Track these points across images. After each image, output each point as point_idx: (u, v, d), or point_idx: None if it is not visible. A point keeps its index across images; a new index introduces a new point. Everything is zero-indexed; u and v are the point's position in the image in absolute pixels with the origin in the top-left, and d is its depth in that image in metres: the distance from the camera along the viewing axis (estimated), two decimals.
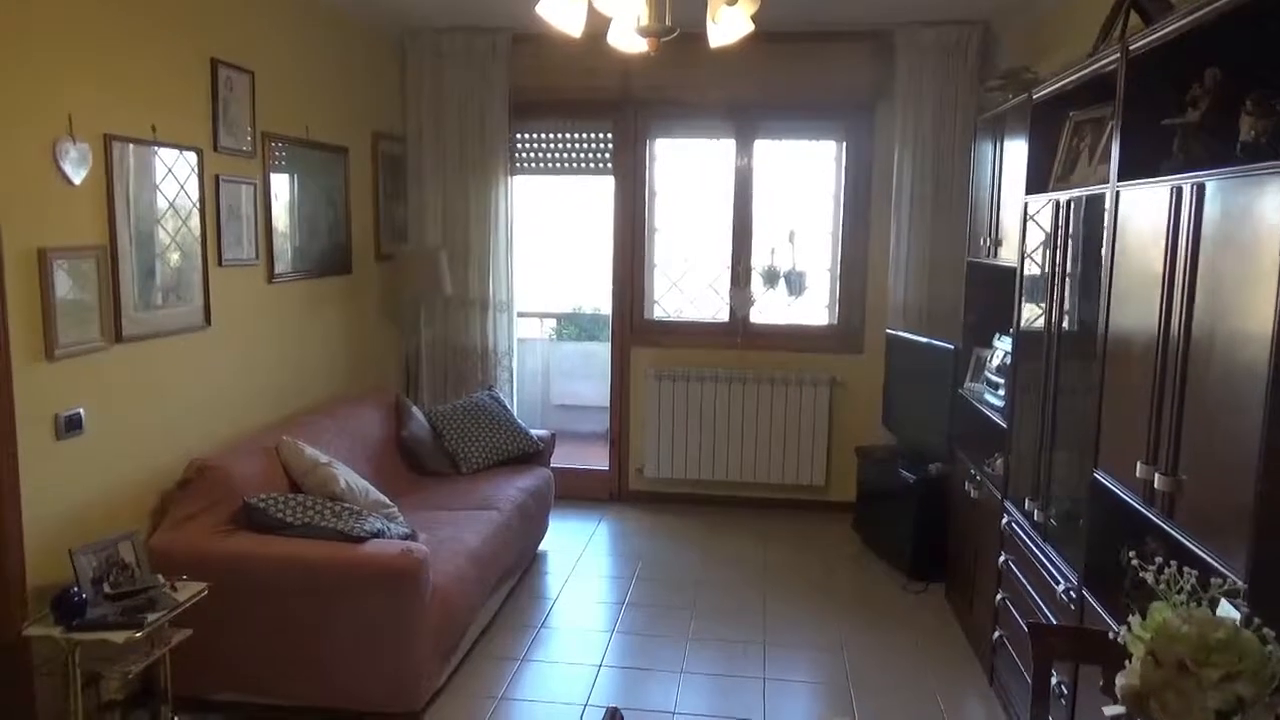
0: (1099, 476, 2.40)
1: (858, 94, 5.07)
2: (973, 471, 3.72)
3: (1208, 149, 2.07)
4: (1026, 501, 2.99)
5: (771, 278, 5.48)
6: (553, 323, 7.67)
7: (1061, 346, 2.80)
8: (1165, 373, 2.02)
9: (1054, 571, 2.70)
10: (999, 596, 3.26)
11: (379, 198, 5.02)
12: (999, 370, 3.56)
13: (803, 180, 5.41)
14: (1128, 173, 2.31)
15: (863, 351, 5.31)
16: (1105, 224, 2.38)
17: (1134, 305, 2.23)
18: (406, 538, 3.38)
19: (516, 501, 4.17)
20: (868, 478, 4.90)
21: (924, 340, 4.56)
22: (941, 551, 4.25)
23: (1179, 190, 1.99)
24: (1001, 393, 3.53)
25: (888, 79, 4.96)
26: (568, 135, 5.40)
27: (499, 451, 4.57)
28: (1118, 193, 2.34)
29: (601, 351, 7.33)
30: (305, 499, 3.26)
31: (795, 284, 5.50)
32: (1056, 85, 2.93)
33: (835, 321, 5.40)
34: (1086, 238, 2.62)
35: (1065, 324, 2.78)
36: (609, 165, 5.39)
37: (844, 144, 5.27)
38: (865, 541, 4.89)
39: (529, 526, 4.34)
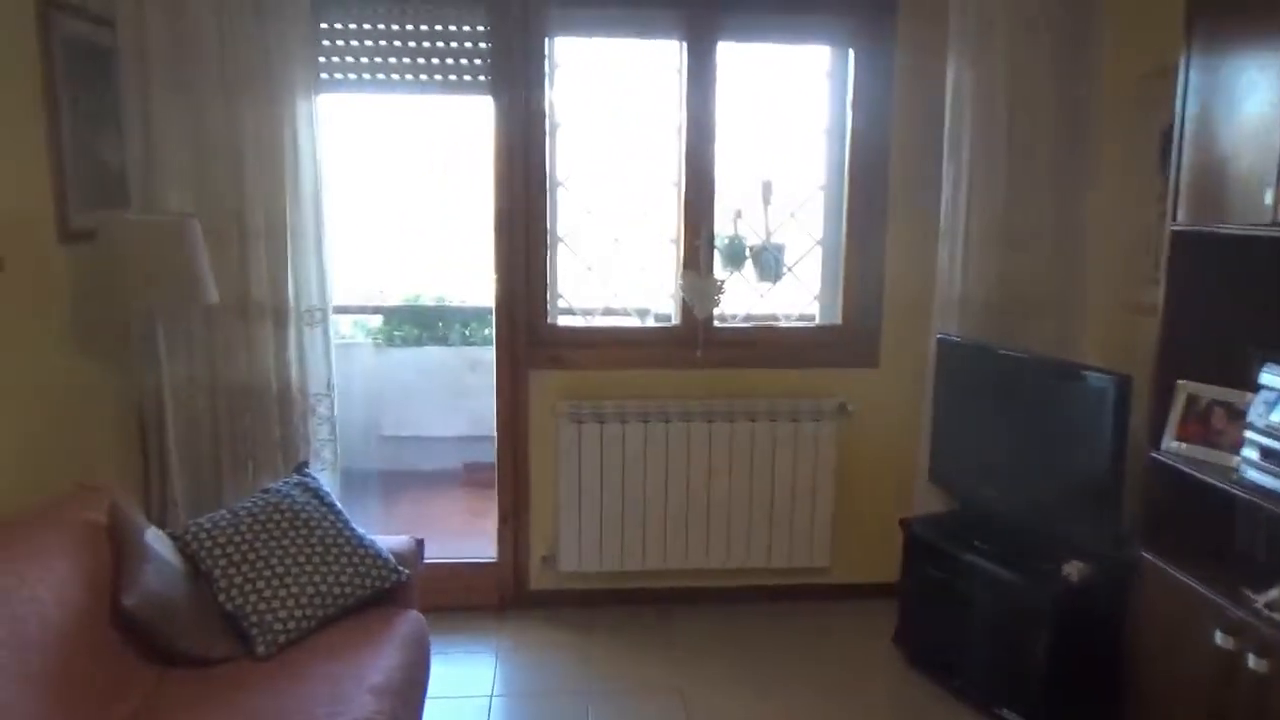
0: None
1: None
2: (1235, 612, 2.05)
3: None
4: None
5: (735, 256, 3.62)
6: (378, 321, 5.43)
7: None
8: None
9: None
10: None
11: (61, 124, 2.66)
12: None
13: (783, 107, 3.56)
14: None
15: (878, 365, 3.58)
16: None
17: None
18: None
19: (384, 707, 2.09)
20: (925, 569, 3.14)
21: (1054, 362, 2.83)
22: (1083, 699, 2.61)
23: None
24: None
25: None
26: (411, 28, 3.23)
27: (328, 601, 2.43)
28: None
29: (451, 360, 5.24)
30: None
31: (770, 265, 3.68)
32: None
33: (839, 320, 3.62)
34: None
35: None
36: (483, 79, 3.29)
37: (850, 52, 3.45)
38: (919, 664, 3.17)
39: None
